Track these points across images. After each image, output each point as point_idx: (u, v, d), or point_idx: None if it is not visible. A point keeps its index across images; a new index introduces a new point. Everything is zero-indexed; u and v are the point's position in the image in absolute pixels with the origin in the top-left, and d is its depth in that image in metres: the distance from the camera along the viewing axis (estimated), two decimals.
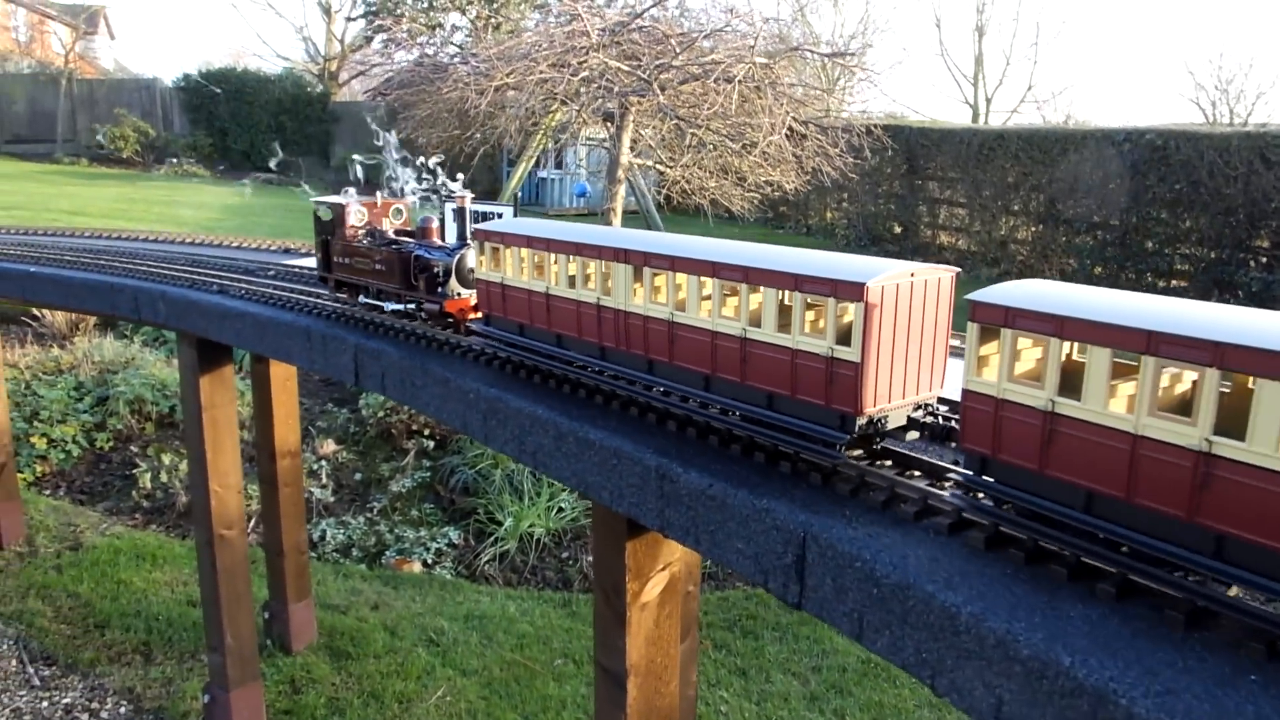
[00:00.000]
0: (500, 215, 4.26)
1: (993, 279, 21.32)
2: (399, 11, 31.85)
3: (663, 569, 2.99)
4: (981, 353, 1.95)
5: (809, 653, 7.06)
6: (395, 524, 8.60)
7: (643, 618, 2.98)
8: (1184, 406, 1.66)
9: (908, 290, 2.17)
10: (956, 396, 2.07)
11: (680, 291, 2.50)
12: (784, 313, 2.25)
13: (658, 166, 12.72)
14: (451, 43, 32.77)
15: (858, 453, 2.28)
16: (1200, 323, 1.59)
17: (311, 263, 5.08)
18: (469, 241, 3.67)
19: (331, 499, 8.96)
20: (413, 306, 3.77)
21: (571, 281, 2.83)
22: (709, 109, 11.37)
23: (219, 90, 31.94)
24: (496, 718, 6.12)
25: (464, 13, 33.06)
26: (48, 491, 9.43)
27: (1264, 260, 15.94)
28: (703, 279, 2.41)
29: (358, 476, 9.31)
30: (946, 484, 2.12)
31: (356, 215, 4.24)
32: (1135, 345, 1.65)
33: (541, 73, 11.55)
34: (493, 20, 30.86)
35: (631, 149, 12.34)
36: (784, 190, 13.81)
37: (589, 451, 2.50)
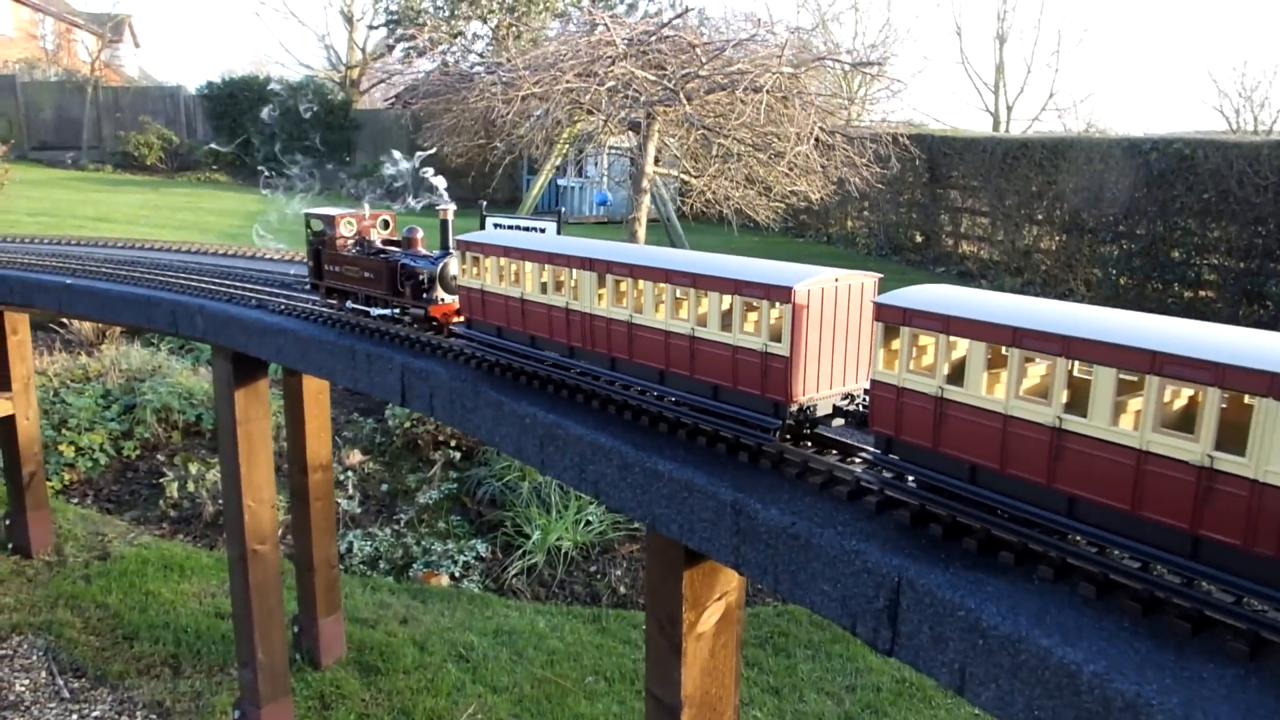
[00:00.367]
0: (544, 230, 4.21)
1: (1017, 289, 21.20)
2: (421, 20, 31.97)
3: (719, 598, 2.91)
4: (885, 348, 2.22)
5: (842, 671, 6.95)
6: (422, 536, 8.55)
7: (699, 648, 2.90)
8: (1044, 392, 1.92)
9: (833, 294, 2.46)
10: None
11: (638, 297, 2.79)
12: (726, 314, 2.55)
13: (683, 176, 12.64)
14: (473, 51, 32.88)
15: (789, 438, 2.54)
16: (1056, 321, 1.89)
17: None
18: (451, 251, 3.89)
19: (358, 510, 8.92)
20: (398, 311, 4.05)
21: (543, 288, 3.13)
22: (736, 119, 11.30)
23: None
24: None
25: (485, 21, 33.18)
26: (75, 499, 9.44)
27: None
28: (658, 285, 2.73)
29: (384, 487, 9.26)
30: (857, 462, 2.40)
31: (346, 226, 4.49)
32: (1004, 340, 1.94)
33: (568, 82, 11.52)
34: (514, 29, 30.94)
35: (656, 159, 12.28)
36: (809, 200, 13.72)
37: (657, 483, 2.43)
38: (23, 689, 6.56)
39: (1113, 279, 18.87)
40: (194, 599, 7.53)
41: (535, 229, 4.23)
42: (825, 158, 12.08)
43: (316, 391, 6.08)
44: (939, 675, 1.76)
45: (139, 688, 6.51)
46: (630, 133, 13.11)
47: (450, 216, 4.12)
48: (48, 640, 7.02)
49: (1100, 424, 1.79)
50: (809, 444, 2.54)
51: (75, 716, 6.28)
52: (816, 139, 11.49)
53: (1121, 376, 1.77)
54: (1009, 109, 40.49)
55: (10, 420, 7.84)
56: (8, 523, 8.19)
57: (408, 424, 9.65)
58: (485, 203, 5.10)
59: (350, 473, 9.30)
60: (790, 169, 12.13)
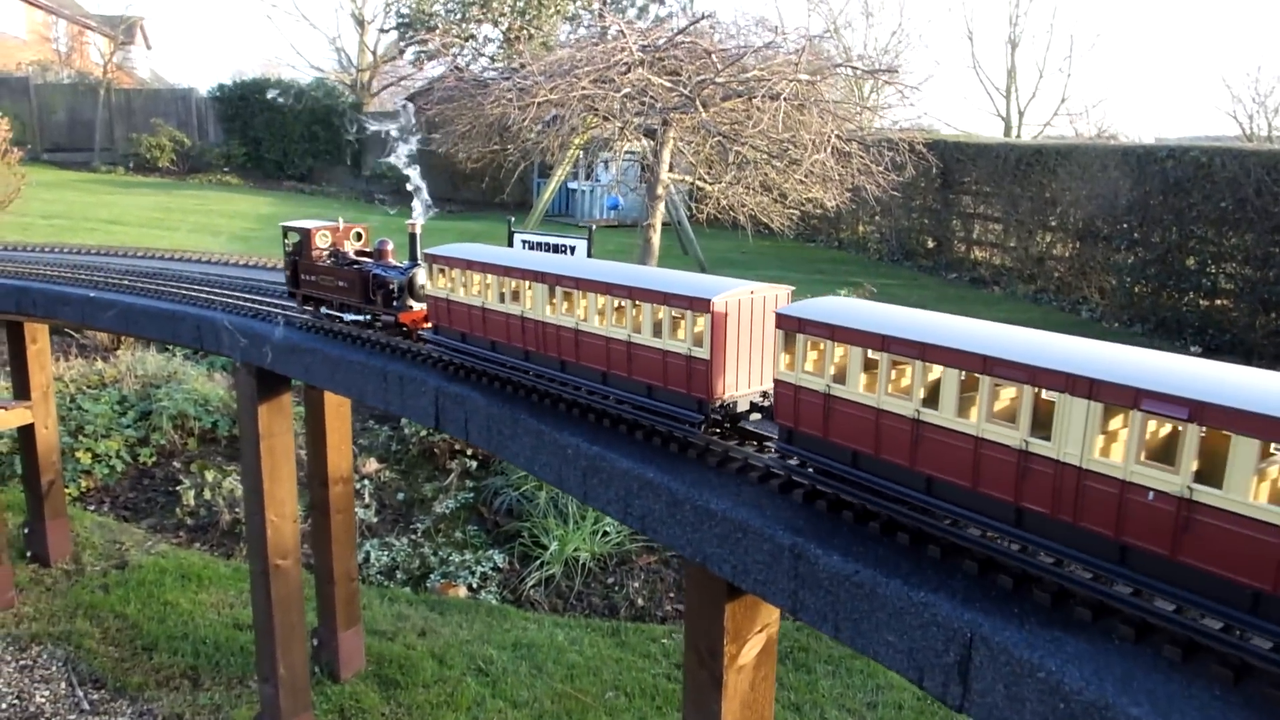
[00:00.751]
0: (574, 249, 4.18)
1: (1029, 296, 21.10)
2: (432, 24, 31.98)
3: (760, 630, 2.87)
4: (785, 352, 2.52)
5: (863, 688, 6.90)
6: (439, 546, 8.52)
7: (739, 680, 2.86)
8: (907, 389, 2.24)
9: (749, 305, 2.75)
10: None
11: (584, 307, 3.11)
12: (658, 323, 2.87)
13: (698, 183, 12.60)
14: (483, 54, 32.91)
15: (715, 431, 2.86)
16: (916, 330, 2.20)
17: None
18: (419, 262, 4.20)
19: (375, 519, 8.89)
20: (369, 318, 4.32)
21: (502, 298, 3.44)
22: (753, 126, 11.25)
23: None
24: None
25: (496, 24, 33.20)
26: (92, 507, 9.43)
27: None
28: (600, 297, 3.04)
29: (400, 496, 9.24)
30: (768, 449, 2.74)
31: (321, 238, 4.75)
32: (876, 346, 2.26)
33: (584, 89, 11.49)
34: (525, 31, 30.93)
35: (670, 166, 12.24)
36: (825, 207, 13.66)
37: (709, 522, 2.39)
38: (43, 700, 6.55)
39: (1127, 287, 18.76)
40: (212, 609, 7.52)
41: (565, 247, 4.19)
42: (842, 165, 12.03)
43: (338, 404, 6.05)
44: None
45: (158, 700, 6.49)
46: (645, 139, 13.09)
47: (419, 230, 4.36)
48: (67, 650, 7.01)
49: (948, 416, 2.12)
50: (734, 437, 2.88)
51: None
52: (834, 146, 11.43)
53: (962, 376, 2.09)
54: (1021, 114, 40.33)
55: (30, 429, 7.83)
56: (26, 531, 8.18)
57: (424, 432, 9.63)
58: (512, 219, 5.08)
59: (367, 481, 9.27)
60: (807, 176, 12.08)
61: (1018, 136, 39.06)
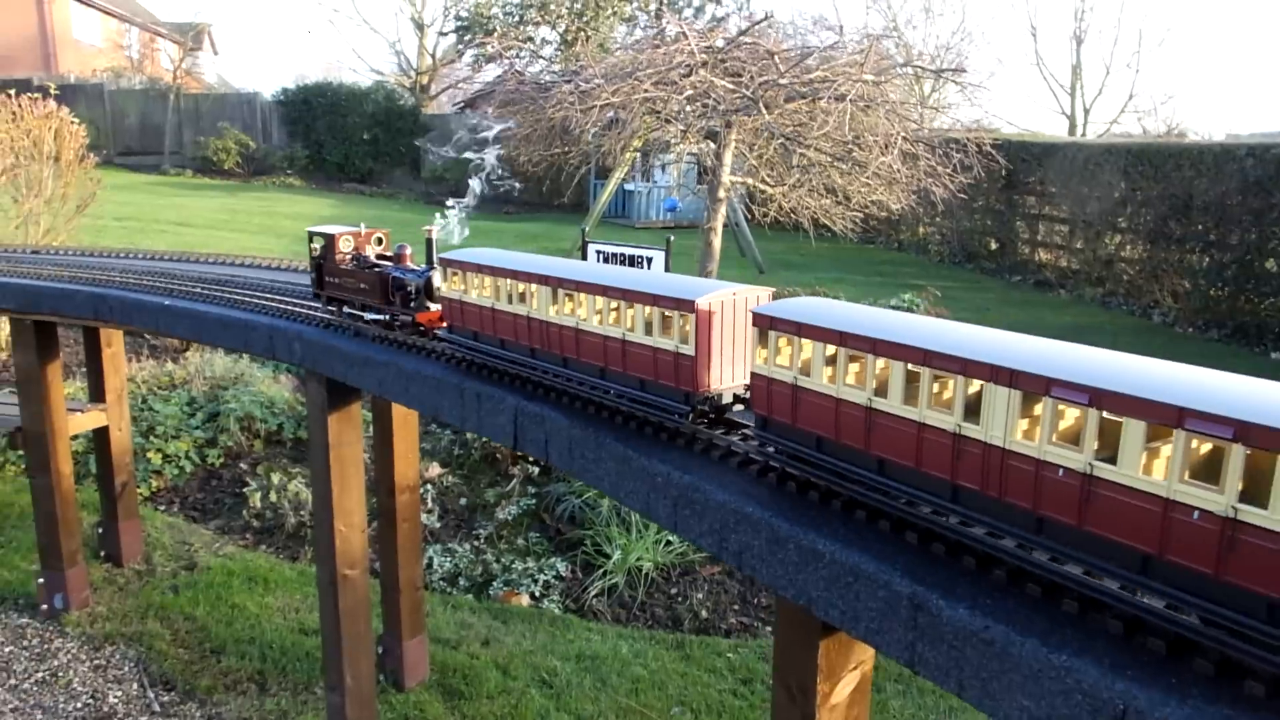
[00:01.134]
0: (650, 260, 4.08)
1: (1098, 299, 20.50)
2: (490, 27, 32.19)
3: (855, 668, 2.73)
4: (760, 347, 2.77)
5: (935, 709, 6.69)
6: (502, 553, 8.49)
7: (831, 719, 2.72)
8: (861, 380, 2.48)
9: (731, 305, 3.00)
10: None
11: (583, 307, 3.37)
12: (649, 323, 3.11)
13: (760, 186, 12.42)
14: (541, 56, 33.02)
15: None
16: (870, 327, 2.43)
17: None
18: (435, 266, 4.46)
19: (438, 524, 8.90)
20: (388, 318, 4.65)
21: (510, 299, 3.70)
22: (818, 128, 11.05)
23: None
24: None
25: (554, 27, 33.30)
26: (162, 507, 9.59)
27: None
28: (598, 298, 3.29)
29: (463, 502, 9.23)
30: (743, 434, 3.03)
31: (345, 243, 5.04)
32: (834, 342, 2.51)
33: (646, 91, 11.39)
34: (583, 33, 30.96)
35: (731, 168, 12.08)
36: (890, 210, 13.40)
37: (815, 563, 2.25)
38: (116, 700, 6.64)
39: (1202, 290, 18.12)
40: (278, 614, 7.56)
41: (641, 258, 4.10)
42: (908, 167, 11.76)
43: (406, 413, 6.02)
44: None
45: (226, 704, 6.54)
46: (707, 141, 12.95)
47: (435, 235, 4.70)
48: (139, 651, 7.10)
49: (896, 404, 2.37)
50: (720, 426, 3.14)
51: None
52: (900, 148, 11.17)
53: (908, 369, 2.33)
54: (1086, 111, 39.34)
55: (104, 431, 7.97)
56: (100, 531, 8.34)
57: (485, 437, 9.60)
58: (585, 228, 5.02)
59: (429, 486, 9.28)
60: (872, 179, 11.83)
61: (1083, 135, 38.12)
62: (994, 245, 25.00)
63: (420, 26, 37.58)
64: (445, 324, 4.18)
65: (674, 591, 8.13)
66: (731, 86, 11.17)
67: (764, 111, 10.87)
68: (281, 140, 34.97)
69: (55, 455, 7.21)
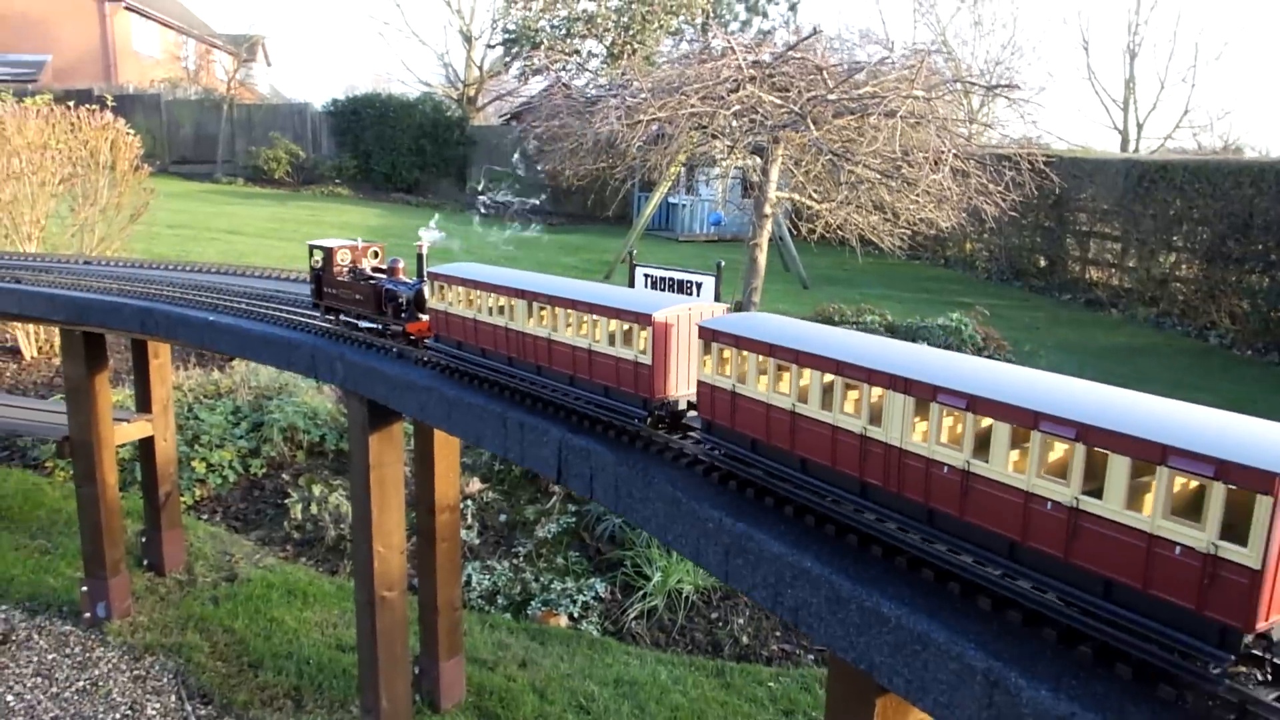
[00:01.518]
0: (701, 284, 3.98)
1: (1151, 319, 19.98)
2: (538, 39, 32.36)
3: None
4: (704, 357, 3.02)
5: None
6: (540, 571, 8.40)
7: None
8: (787, 389, 2.71)
9: (686, 318, 3.22)
10: None
11: (554, 320, 3.62)
12: (612, 334, 3.35)
13: (807, 202, 12.25)
14: (587, 69, 33.12)
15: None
16: (796, 340, 2.68)
17: None
18: (424, 279, 4.72)
19: (477, 541, 8.84)
20: (380, 327, 4.94)
21: (490, 311, 3.96)
22: (867, 145, 10.88)
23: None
24: None
25: (600, 40, 33.40)
26: (205, 516, 9.64)
27: None
28: (567, 311, 3.55)
29: (502, 518, 9.17)
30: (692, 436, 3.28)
31: (342, 256, 5.33)
32: (765, 353, 2.75)
33: (692, 106, 11.30)
34: (629, 46, 31.01)
35: (777, 184, 11.93)
36: (939, 228, 13.16)
37: (880, 627, 2.11)
38: (154, 712, 6.65)
39: (1261, 312, 17.59)
40: (316, 629, 7.54)
41: (691, 284, 4.00)
42: (959, 184, 11.52)
43: None
44: None
45: None
46: (754, 156, 12.82)
47: (425, 250, 4.95)
48: (178, 663, 7.11)
49: (815, 409, 2.62)
50: (677, 430, 3.34)
51: None
52: (951, 166, 10.95)
53: (823, 378, 2.58)
54: (1139, 126, 38.57)
55: (149, 441, 8.02)
56: (144, 540, 8.39)
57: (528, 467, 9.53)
58: (634, 250, 4.96)
59: (469, 502, 9.23)
60: (922, 196, 11.61)
61: (1135, 150, 37.37)
62: (1043, 262, 24.53)
63: (468, 39, 37.92)
64: (432, 334, 4.44)
65: (714, 616, 7.98)
66: (779, 102, 11.04)
67: (812, 127, 10.72)
68: (330, 150, 35.45)
69: (101, 465, 7.26)
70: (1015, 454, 2.10)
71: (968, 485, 2.19)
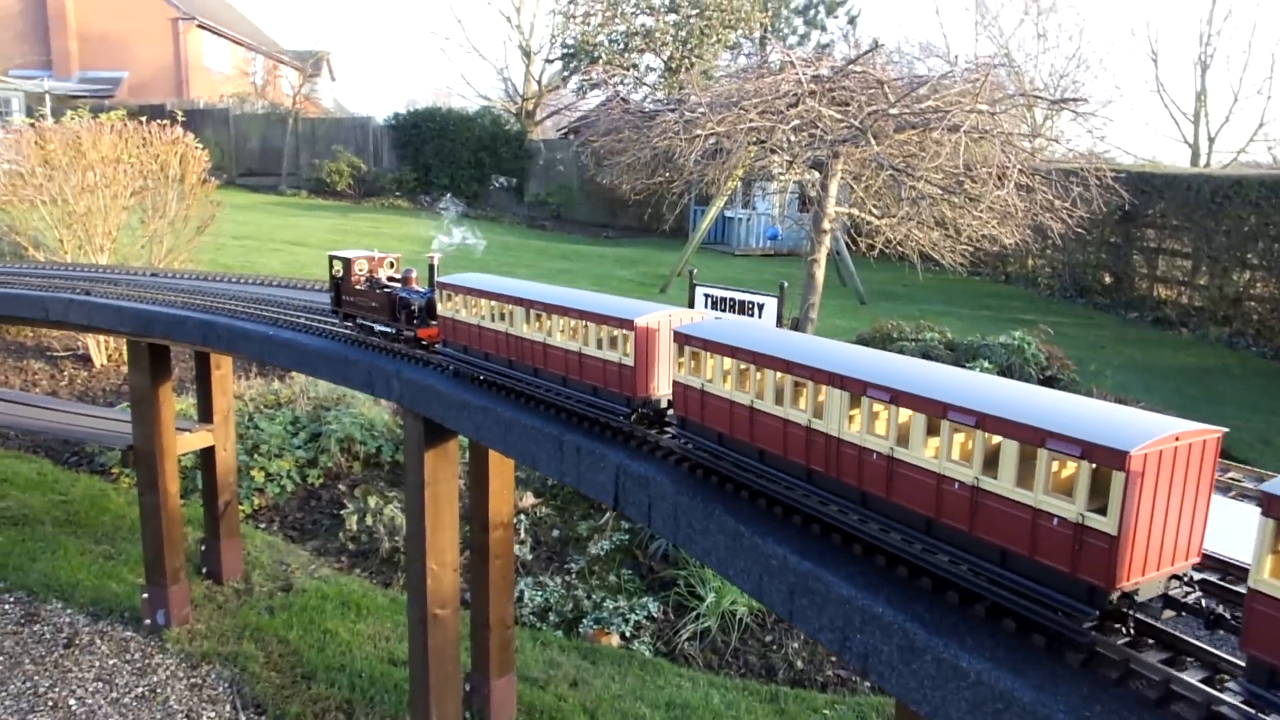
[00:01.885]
0: (762, 305, 3.89)
1: (1224, 339, 19.28)
2: (596, 54, 32.54)
3: None
4: (679, 359, 3.27)
5: None
6: (593, 589, 8.33)
7: None
8: (747, 387, 2.97)
9: (667, 324, 3.45)
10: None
11: (549, 326, 3.91)
12: (600, 339, 3.60)
13: (866, 218, 12.05)
14: (644, 84, 33.21)
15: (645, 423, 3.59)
16: (753, 342, 2.96)
17: None
18: (435, 289, 4.98)
19: (530, 556, 8.80)
20: (394, 331, 5.24)
21: (492, 317, 4.26)
22: (930, 160, 10.66)
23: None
24: None
25: (658, 54, 33.48)
26: (262, 525, 9.76)
27: None
28: (560, 318, 3.83)
29: (556, 534, 9.12)
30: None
31: (359, 266, 5.61)
32: (728, 354, 3.01)
33: (751, 120, 11.20)
34: (687, 60, 31.03)
35: (836, 199, 11.76)
36: (1003, 245, 12.85)
37: (958, 682, 1.99)
38: None
39: None
40: (369, 641, 7.56)
41: (753, 305, 3.91)
42: (1024, 200, 11.23)
43: None
44: None
45: None
46: (813, 171, 12.66)
47: (436, 262, 5.19)
48: (234, 672, 7.17)
49: (769, 405, 2.86)
50: (657, 427, 3.57)
51: None
52: (1016, 181, 10.68)
53: (777, 377, 2.82)
54: (1210, 140, 37.44)
55: (210, 451, 8.14)
56: (203, 548, 8.50)
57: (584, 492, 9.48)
58: (694, 269, 4.92)
59: (522, 517, 9.21)
60: (985, 212, 11.34)
61: (1206, 164, 36.31)
62: (1108, 279, 23.87)
63: (527, 54, 38.28)
64: (441, 339, 4.78)
65: (768, 639, 7.83)
66: (838, 116, 10.88)
67: (872, 142, 10.54)
68: (391, 163, 36.00)
69: (163, 474, 7.38)
70: (931, 441, 2.34)
71: (893, 470, 2.43)
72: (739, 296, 3.92)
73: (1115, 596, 1.99)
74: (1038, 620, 2.09)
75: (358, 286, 5.53)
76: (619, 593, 8.27)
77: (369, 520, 9.32)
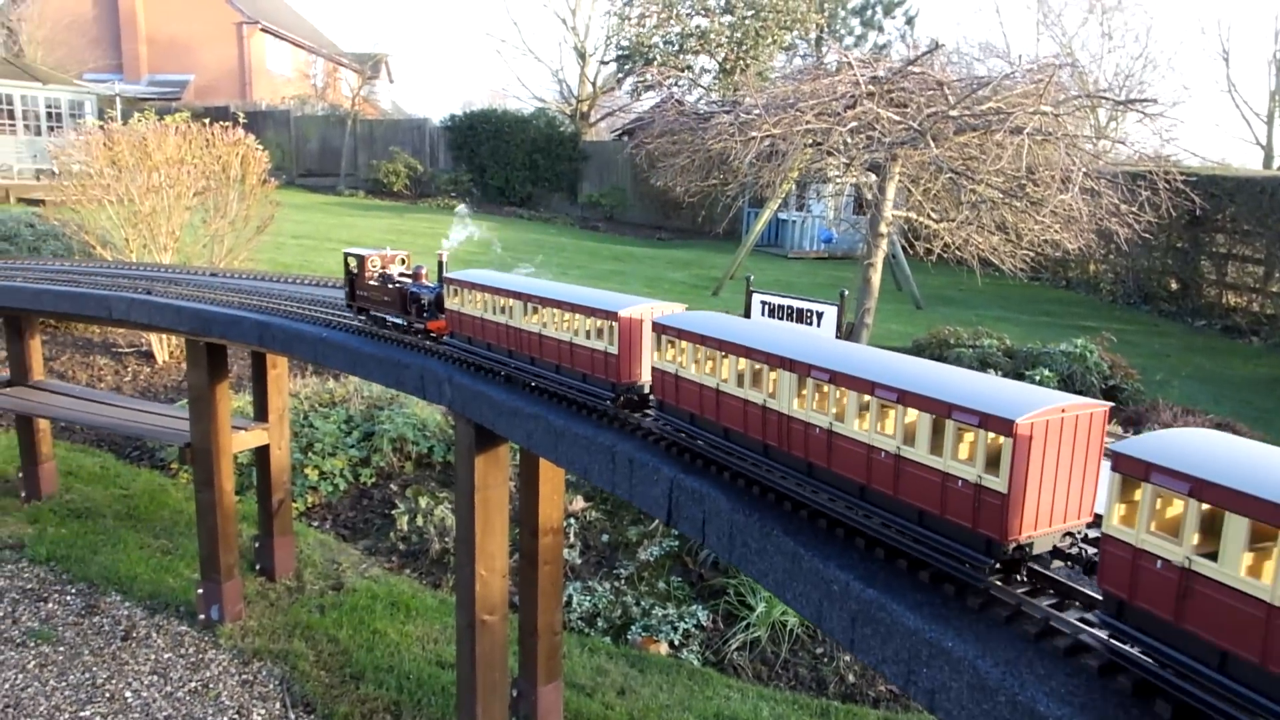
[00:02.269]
0: (821, 314, 3.79)
1: None
2: (651, 56, 32.48)
3: None
4: (657, 348, 3.53)
5: None
6: (642, 595, 8.25)
7: None
8: (715, 371, 3.26)
9: (649, 315, 3.72)
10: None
11: (546, 318, 4.18)
12: (589, 330, 3.89)
13: (925, 222, 11.80)
14: (699, 85, 33.08)
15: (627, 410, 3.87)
16: (734, 334, 3.19)
17: None
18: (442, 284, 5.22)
19: (579, 561, 8.75)
20: (404, 324, 5.51)
21: (494, 310, 4.56)
22: (991, 163, 10.40)
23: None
24: None
25: (713, 55, 33.33)
26: (315, 523, 9.86)
27: None
28: (556, 311, 4.09)
29: (605, 539, 9.07)
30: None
31: (373, 263, 5.85)
32: (699, 343, 3.28)
33: (808, 123, 11.04)
34: (742, 62, 30.84)
35: (894, 203, 11.53)
36: (1066, 250, 12.50)
37: None
38: (259, 718, 6.76)
39: None
40: (417, 643, 7.57)
41: (810, 313, 3.80)
42: (1089, 204, 10.90)
43: None
44: None
45: None
46: (869, 173, 12.46)
47: (445, 258, 5.39)
48: (284, 670, 7.23)
49: (732, 387, 3.12)
50: (639, 411, 3.84)
51: None
52: (1080, 185, 10.36)
53: (739, 363, 3.08)
54: None
55: (265, 449, 8.23)
56: (257, 545, 8.60)
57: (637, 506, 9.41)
58: (750, 275, 4.83)
59: (572, 520, 9.17)
60: (1048, 217, 11.04)
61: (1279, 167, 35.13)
62: (1174, 286, 23.15)
63: (582, 56, 38.39)
64: (449, 331, 5.04)
65: (819, 651, 7.67)
66: (897, 118, 10.67)
67: (931, 144, 10.32)
68: (447, 164, 36.37)
69: (219, 472, 7.47)
70: (862, 415, 2.61)
71: (832, 442, 2.71)
72: (797, 304, 3.80)
73: (1010, 548, 2.26)
74: (948, 571, 2.38)
75: (371, 281, 5.80)
76: (668, 600, 8.18)
77: (419, 521, 9.35)
